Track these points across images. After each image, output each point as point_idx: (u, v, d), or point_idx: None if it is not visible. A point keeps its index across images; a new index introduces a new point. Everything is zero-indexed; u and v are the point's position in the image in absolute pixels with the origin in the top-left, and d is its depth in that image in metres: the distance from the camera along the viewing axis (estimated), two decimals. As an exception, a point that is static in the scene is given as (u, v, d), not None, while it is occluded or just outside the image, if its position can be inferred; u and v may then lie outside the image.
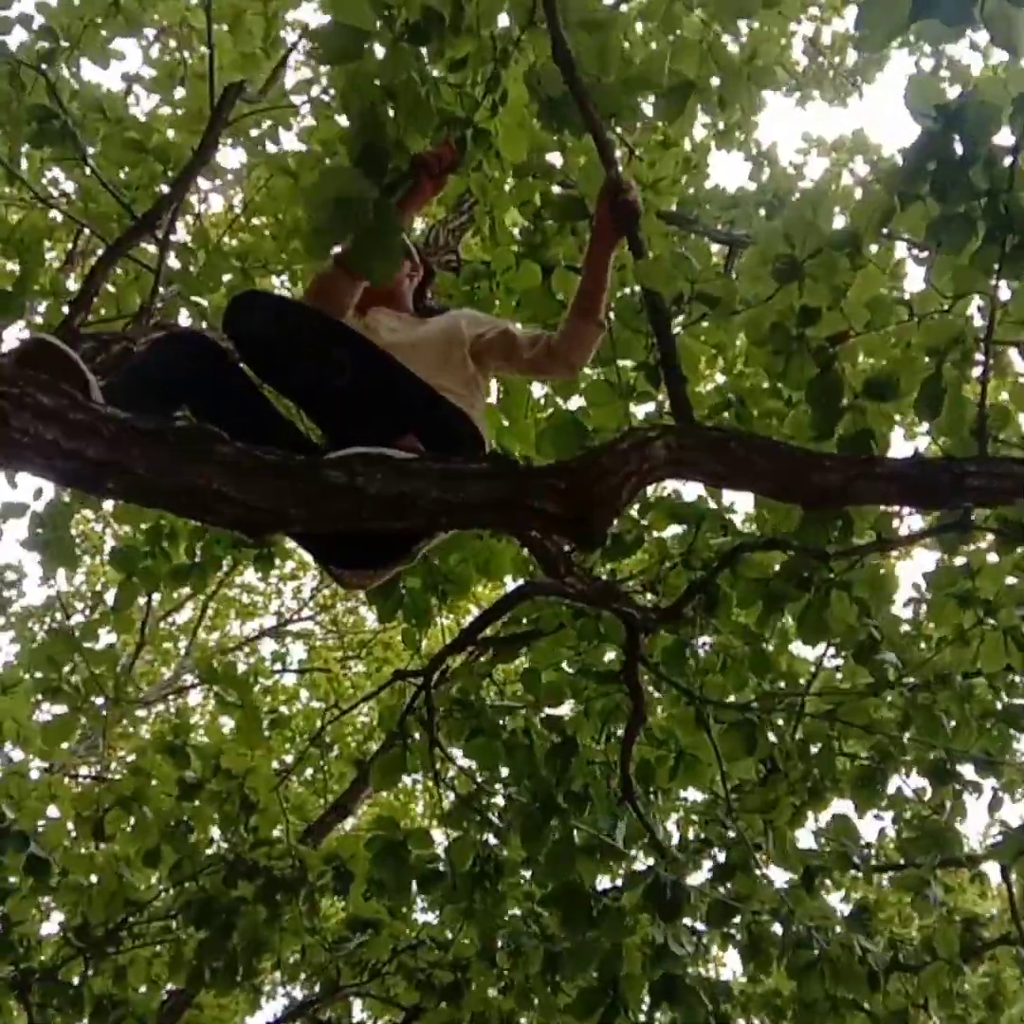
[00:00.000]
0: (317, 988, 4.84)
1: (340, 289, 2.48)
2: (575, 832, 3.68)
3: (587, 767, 3.75)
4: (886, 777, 3.75)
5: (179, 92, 4.88)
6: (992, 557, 3.32)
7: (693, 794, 4.40)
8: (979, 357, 2.44)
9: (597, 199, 2.56)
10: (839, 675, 4.19)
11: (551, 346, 2.65)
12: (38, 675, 4.17)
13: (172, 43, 5.09)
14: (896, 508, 3.07)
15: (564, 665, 3.85)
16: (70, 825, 4.34)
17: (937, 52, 5.85)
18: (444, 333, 2.68)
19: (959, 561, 3.39)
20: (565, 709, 3.94)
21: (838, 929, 3.79)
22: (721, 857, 3.93)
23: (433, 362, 2.53)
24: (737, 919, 3.79)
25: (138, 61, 4.90)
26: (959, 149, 2.30)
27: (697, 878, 4.43)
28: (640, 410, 3.75)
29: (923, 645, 3.80)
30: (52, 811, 4.42)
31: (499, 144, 3.13)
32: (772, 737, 3.66)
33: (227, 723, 4.87)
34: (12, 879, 4.24)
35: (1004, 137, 2.28)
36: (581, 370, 2.81)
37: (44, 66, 3.98)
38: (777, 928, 3.79)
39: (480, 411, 2.63)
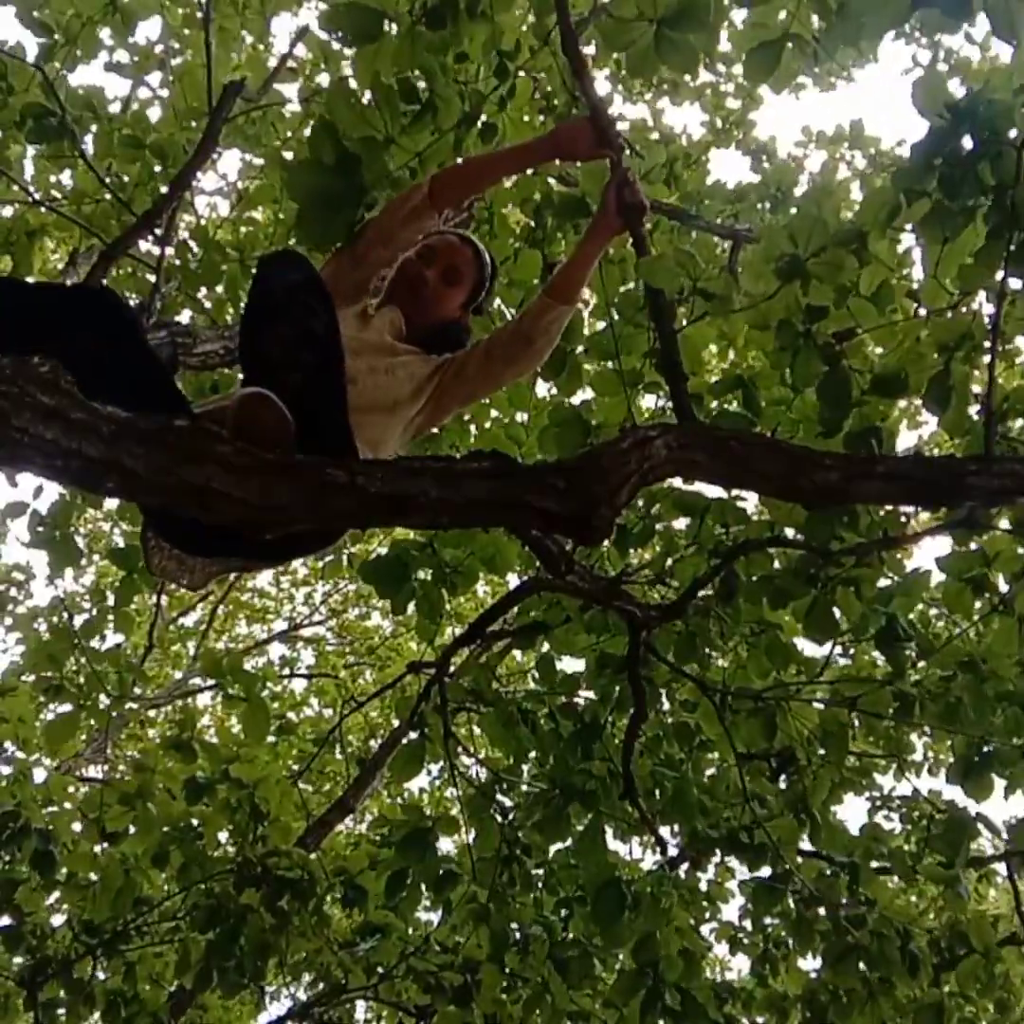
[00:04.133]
0: (322, 988, 4.84)
1: (417, 216, 2.43)
2: (601, 820, 3.69)
3: (604, 759, 3.75)
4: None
5: (155, 78, 4.88)
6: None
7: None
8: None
9: (603, 191, 2.54)
10: (846, 663, 4.18)
11: (517, 329, 2.51)
12: (39, 674, 4.16)
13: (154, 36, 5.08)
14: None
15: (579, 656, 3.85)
16: (77, 826, 4.34)
17: (935, 44, 5.81)
18: (415, 387, 2.48)
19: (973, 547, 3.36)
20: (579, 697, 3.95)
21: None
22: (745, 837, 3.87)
23: (380, 416, 2.37)
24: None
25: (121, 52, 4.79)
26: (967, 145, 2.28)
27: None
28: (646, 406, 3.76)
29: (932, 635, 3.79)
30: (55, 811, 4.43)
31: (506, 140, 3.14)
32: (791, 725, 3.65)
33: (235, 727, 4.87)
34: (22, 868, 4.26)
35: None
36: (543, 358, 2.62)
37: (41, 63, 3.98)
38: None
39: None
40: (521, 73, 3.01)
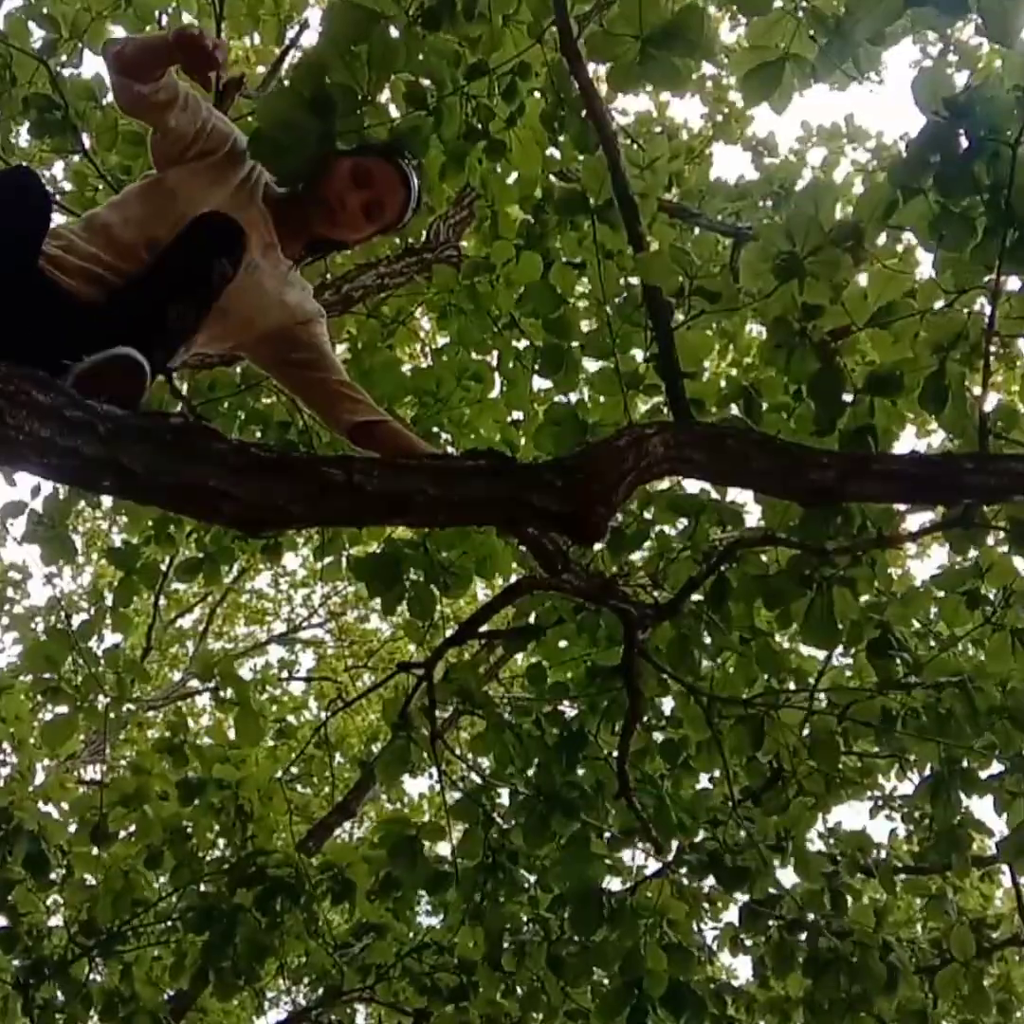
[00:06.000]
0: (321, 992, 4.82)
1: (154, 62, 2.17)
2: (585, 829, 3.67)
3: (594, 763, 3.73)
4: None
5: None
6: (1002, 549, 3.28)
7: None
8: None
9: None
10: (848, 672, 4.15)
11: (353, 421, 2.37)
12: (36, 675, 4.15)
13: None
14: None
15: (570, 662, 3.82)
16: (72, 827, 4.34)
17: (944, 36, 5.73)
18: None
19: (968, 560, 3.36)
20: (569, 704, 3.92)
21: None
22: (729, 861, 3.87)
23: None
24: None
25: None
26: (964, 142, 2.28)
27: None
28: (645, 406, 3.74)
29: (932, 644, 3.77)
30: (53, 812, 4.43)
31: (513, 157, 3.13)
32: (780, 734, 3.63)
33: (232, 730, 4.87)
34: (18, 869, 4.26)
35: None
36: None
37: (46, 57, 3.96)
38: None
39: None
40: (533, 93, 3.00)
